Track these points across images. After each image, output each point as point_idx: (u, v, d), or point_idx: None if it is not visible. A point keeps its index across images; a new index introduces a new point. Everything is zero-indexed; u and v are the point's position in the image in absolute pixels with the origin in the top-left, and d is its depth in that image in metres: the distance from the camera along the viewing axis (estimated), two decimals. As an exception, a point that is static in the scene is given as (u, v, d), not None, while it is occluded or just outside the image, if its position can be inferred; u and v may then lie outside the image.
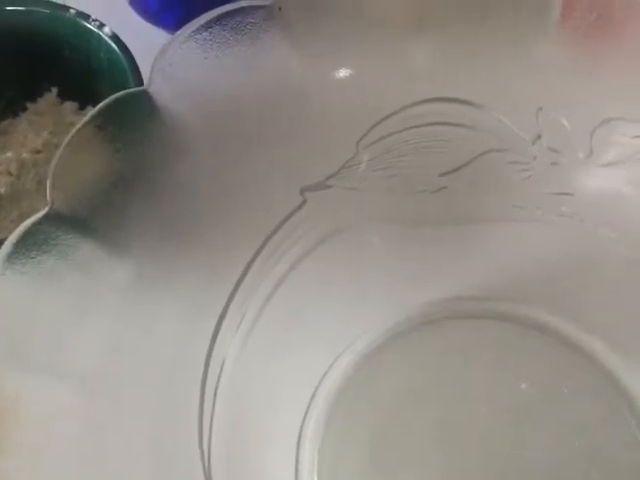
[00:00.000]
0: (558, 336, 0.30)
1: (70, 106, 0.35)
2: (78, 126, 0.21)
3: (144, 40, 0.32)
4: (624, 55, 0.25)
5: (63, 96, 0.36)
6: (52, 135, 0.34)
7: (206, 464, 0.24)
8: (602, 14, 0.24)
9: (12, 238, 0.20)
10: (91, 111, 0.22)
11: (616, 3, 0.24)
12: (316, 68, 0.25)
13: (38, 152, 0.33)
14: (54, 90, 0.36)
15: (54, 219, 0.21)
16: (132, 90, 0.23)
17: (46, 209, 0.21)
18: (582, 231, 0.28)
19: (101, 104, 0.22)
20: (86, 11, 0.33)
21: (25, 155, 0.33)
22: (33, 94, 0.36)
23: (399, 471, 0.29)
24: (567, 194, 0.27)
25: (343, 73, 0.26)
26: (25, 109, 0.36)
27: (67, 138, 0.21)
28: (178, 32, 0.23)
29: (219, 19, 0.23)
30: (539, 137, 0.26)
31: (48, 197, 0.21)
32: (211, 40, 0.24)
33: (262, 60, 0.25)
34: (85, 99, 0.35)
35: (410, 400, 0.30)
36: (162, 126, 0.23)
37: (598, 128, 0.26)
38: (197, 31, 0.23)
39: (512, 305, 0.30)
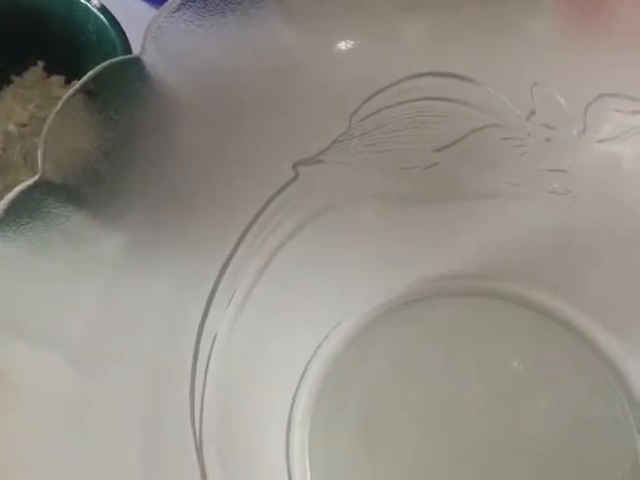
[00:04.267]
0: (550, 314, 0.30)
1: (57, 79, 0.35)
2: (69, 93, 0.21)
3: (132, 14, 0.32)
4: (618, 31, 0.25)
5: (50, 69, 0.35)
6: (38, 108, 0.33)
7: (198, 440, 0.24)
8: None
9: (1, 205, 0.20)
10: (83, 78, 0.21)
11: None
12: (310, 41, 0.25)
13: (24, 125, 0.33)
14: (40, 63, 0.35)
15: (45, 187, 0.21)
16: (124, 57, 0.22)
17: (37, 177, 0.20)
18: (576, 208, 0.28)
19: (92, 71, 0.21)
20: (74, -17, 0.32)
21: (11, 128, 0.33)
22: (19, 67, 0.35)
23: (390, 449, 0.29)
24: (561, 171, 0.27)
25: (337, 46, 0.25)
26: (10, 82, 0.35)
27: (58, 105, 0.21)
28: (171, -1, 0.23)
29: (213, -13, 0.23)
30: (533, 113, 0.26)
31: (39, 164, 0.20)
32: (204, 9, 0.23)
33: (256, 31, 0.24)
34: (72, 73, 0.34)
35: (400, 379, 0.30)
36: (154, 95, 0.23)
37: (592, 104, 0.26)
38: (191, -1, 0.23)
39: (504, 283, 0.30)
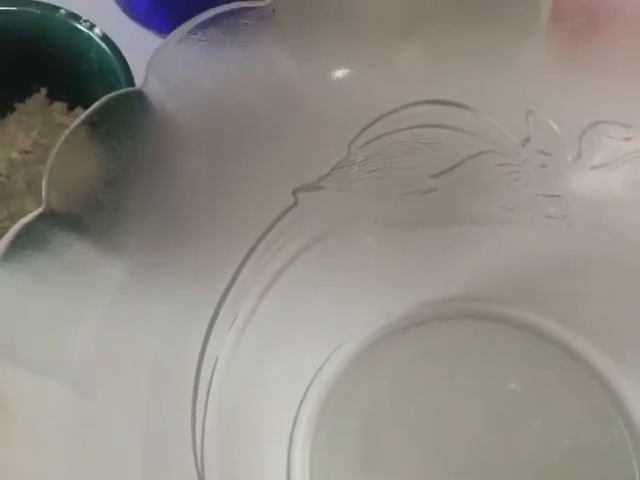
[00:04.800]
0: (546, 337, 0.30)
1: (59, 107, 0.35)
2: (74, 124, 0.21)
3: (134, 42, 0.32)
4: (613, 58, 0.25)
5: (52, 96, 0.35)
6: (41, 135, 0.34)
7: (199, 462, 0.25)
8: (591, 17, 0.25)
9: (8, 236, 0.20)
10: (87, 110, 0.22)
11: (605, 7, 0.24)
12: (309, 70, 0.25)
13: (27, 152, 0.33)
14: (43, 91, 0.35)
15: (49, 218, 0.21)
16: (128, 90, 0.23)
17: (42, 208, 0.21)
18: (571, 233, 0.28)
19: (97, 103, 0.22)
20: (76, 12, 0.33)
21: (14, 155, 0.33)
22: (22, 94, 0.35)
23: (390, 468, 0.29)
24: (556, 196, 0.28)
25: (335, 75, 0.26)
26: (13, 109, 0.35)
27: (63, 136, 0.21)
28: (173, 32, 0.23)
29: (214, 20, 0.23)
30: (528, 140, 0.27)
31: (44, 196, 0.21)
32: (206, 40, 0.24)
33: (256, 61, 0.25)
34: (74, 100, 0.35)
35: (400, 399, 0.30)
36: (156, 126, 0.23)
37: (587, 130, 0.26)
38: (192, 31, 0.23)
39: (501, 306, 0.31)
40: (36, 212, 0.20)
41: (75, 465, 0.21)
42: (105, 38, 0.32)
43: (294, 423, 0.30)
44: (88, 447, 0.22)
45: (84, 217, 0.22)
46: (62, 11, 0.33)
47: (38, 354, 0.21)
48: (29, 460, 0.20)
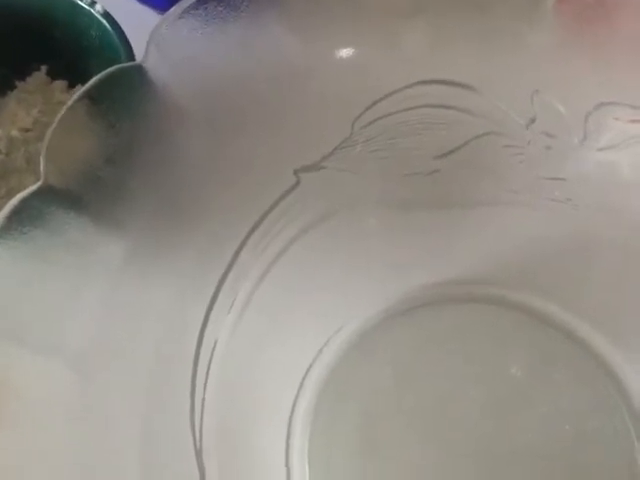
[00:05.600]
0: (549, 321, 0.30)
1: (60, 85, 0.35)
2: (72, 100, 0.21)
3: (135, 19, 0.32)
4: (619, 39, 0.25)
5: (53, 74, 0.35)
6: (41, 113, 0.33)
7: (198, 446, 0.24)
8: (600, -1, 0.24)
9: (4, 212, 0.20)
10: (85, 85, 0.21)
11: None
12: (313, 48, 0.25)
13: (27, 130, 0.33)
14: (43, 68, 0.35)
15: (47, 194, 0.21)
16: (127, 64, 0.22)
17: (39, 183, 0.20)
18: (576, 216, 0.28)
19: (95, 78, 0.21)
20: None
21: (14, 133, 0.33)
22: (22, 72, 0.35)
23: (390, 454, 0.29)
24: (561, 179, 0.27)
25: (340, 53, 0.25)
26: (14, 87, 0.35)
27: (61, 112, 0.21)
28: (174, 7, 0.23)
29: (216, -5, 0.23)
30: (533, 121, 0.26)
31: (42, 171, 0.20)
32: (207, 16, 0.23)
33: (258, 38, 0.24)
34: (75, 77, 0.35)
35: (400, 383, 0.30)
36: (156, 102, 0.23)
37: (593, 112, 0.26)
38: (194, 6, 0.23)
39: (503, 290, 0.31)
40: (33, 187, 0.20)
41: (74, 448, 0.21)
42: (106, 15, 0.32)
43: (293, 406, 0.29)
44: (88, 430, 0.22)
45: (83, 194, 0.22)
46: (63, -13, 0.32)
47: (38, 335, 0.21)
48: (30, 442, 0.20)
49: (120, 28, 0.31)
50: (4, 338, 0.20)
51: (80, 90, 0.21)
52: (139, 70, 0.22)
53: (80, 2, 0.32)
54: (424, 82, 0.26)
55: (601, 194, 0.27)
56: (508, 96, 0.26)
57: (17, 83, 0.35)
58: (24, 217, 0.20)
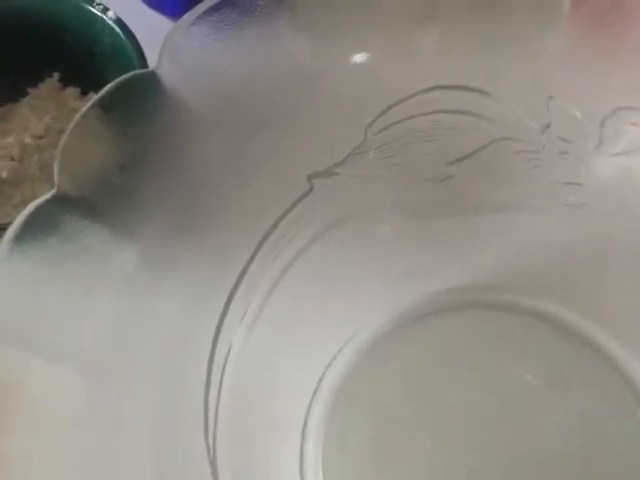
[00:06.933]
0: (565, 327, 0.30)
1: (72, 91, 0.35)
2: (86, 107, 0.21)
3: (148, 27, 0.32)
4: (636, 44, 0.25)
5: (65, 81, 0.35)
6: (54, 120, 0.34)
7: (211, 455, 0.24)
8: (614, 2, 0.24)
9: (19, 220, 0.20)
10: (99, 92, 0.21)
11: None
12: (326, 53, 0.25)
13: (40, 137, 0.33)
14: (56, 75, 0.35)
15: (61, 201, 0.21)
16: (140, 72, 0.22)
17: (53, 191, 0.20)
18: (591, 221, 0.27)
19: (109, 85, 0.21)
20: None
21: (27, 140, 0.33)
22: (34, 79, 0.35)
23: (403, 462, 0.28)
24: (576, 184, 0.27)
25: (353, 59, 0.25)
26: (26, 94, 0.35)
27: (75, 119, 0.21)
28: (187, 14, 0.23)
29: (229, 1, 0.23)
30: (548, 126, 0.26)
31: (55, 179, 0.20)
32: (220, 22, 0.23)
33: (271, 44, 0.24)
34: (87, 84, 0.35)
35: (413, 392, 0.30)
36: (170, 109, 0.23)
37: (608, 117, 0.25)
38: (207, 13, 0.23)
39: (518, 296, 0.30)
40: (48, 195, 0.20)
41: (86, 454, 0.21)
42: (119, 21, 0.32)
43: (306, 415, 0.29)
44: (100, 437, 0.21)
45: (97, 201, 0.22)
46: (75, -6, 0.32)
47: (49, 340, 0.21)
48: (42, 447, 0.20)
49: (133, 35, 0.31)
50: (17, 345, 0.20)
51: (94, 98, 0.21)
52: (152, 77, 0.22)
53: (93, 9, 0.32)
54: (438, 87, 0.26)
55: (616, 199, 0.27)
56: (523, 101, 0.26)
57: (29, 90, 0.35)
58: (38, 225, 0.20)
